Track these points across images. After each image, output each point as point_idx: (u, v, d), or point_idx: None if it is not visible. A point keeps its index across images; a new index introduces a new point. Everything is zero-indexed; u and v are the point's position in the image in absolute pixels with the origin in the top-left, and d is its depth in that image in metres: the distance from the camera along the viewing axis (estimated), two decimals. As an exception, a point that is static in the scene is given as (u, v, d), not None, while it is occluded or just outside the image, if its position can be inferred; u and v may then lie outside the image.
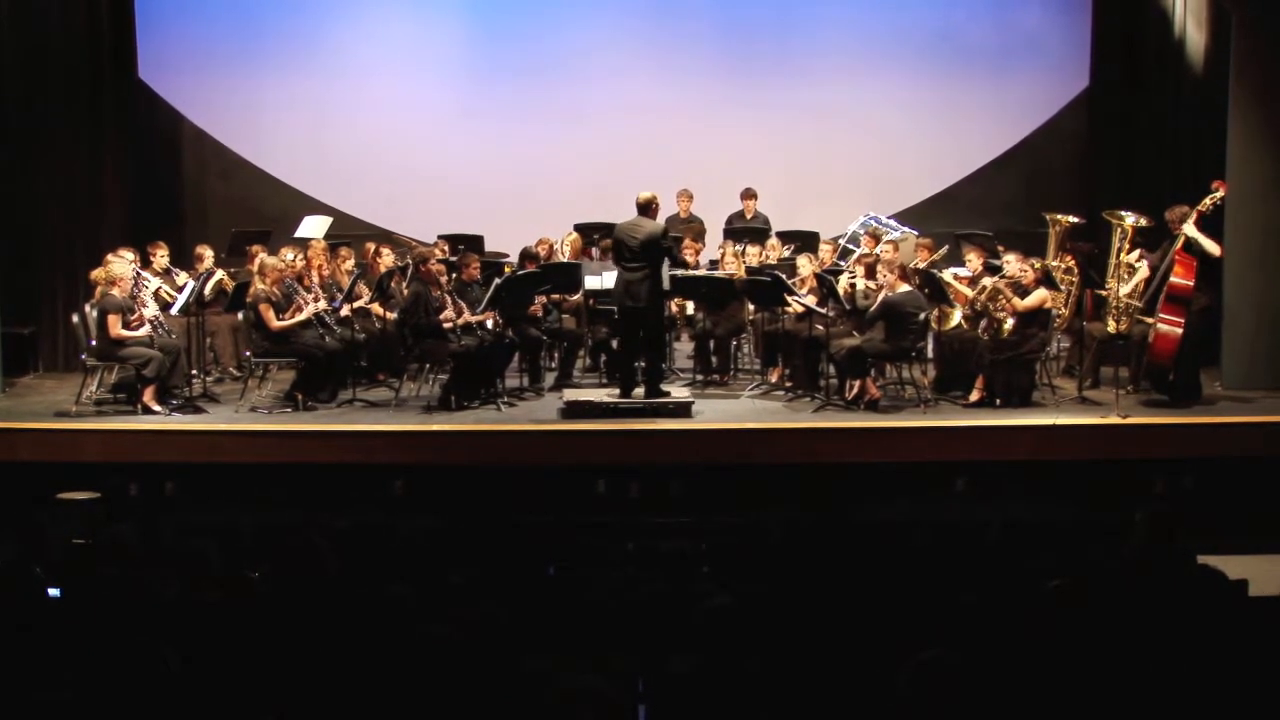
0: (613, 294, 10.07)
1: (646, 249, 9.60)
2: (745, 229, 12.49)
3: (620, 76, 13.76)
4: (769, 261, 11.48)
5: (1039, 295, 9.87)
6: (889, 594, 5.44)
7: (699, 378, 11.03)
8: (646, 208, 9.76)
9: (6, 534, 6.86)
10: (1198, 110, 12.09)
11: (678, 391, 10.02)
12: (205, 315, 10.94)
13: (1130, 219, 10.34)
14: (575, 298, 11.13)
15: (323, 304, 10.33)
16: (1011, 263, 10.08)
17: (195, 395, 10.18)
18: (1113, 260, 10.44)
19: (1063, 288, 10.53)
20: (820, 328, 10.18)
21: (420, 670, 4.22)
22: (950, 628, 4.95)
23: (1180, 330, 9.58)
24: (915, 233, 11.92)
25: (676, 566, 6.21)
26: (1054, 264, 10.73)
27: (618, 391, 9.88)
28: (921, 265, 10.73)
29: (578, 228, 11.83)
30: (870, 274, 10.60)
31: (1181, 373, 9.91)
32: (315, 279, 10.63)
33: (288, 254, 10.58)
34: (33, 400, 10.60)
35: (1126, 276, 10.16)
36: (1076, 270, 10.71)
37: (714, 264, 11.73)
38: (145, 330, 9.86)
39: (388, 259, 11.20)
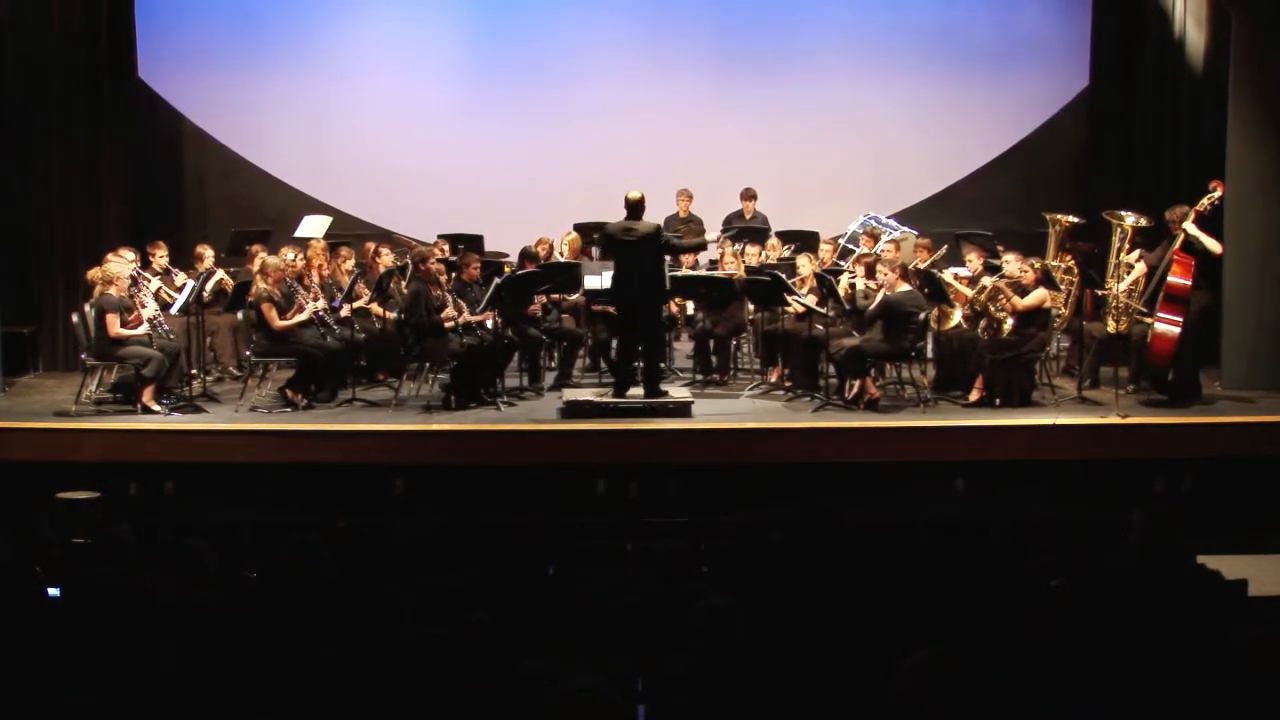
0: (608, 293, 10.07)
1: (643, 246, 9.60)
2: (744, 229, 12.49)
3: (620, 76, 13.76)
4: (769, 261, 11.48)
5: (1039, 295, 9.87)
6: (887, 594, 5.44)
7: (699, 377, 11.03)
8: (639, 206, 9.76)
9: (6, 533, 6.88)
10: (1197, 110, 12.09)
11: (677, 391, 10.03)
12: (205, 315, 10.94)
13: (1130, 219, 10.34)
14: (575, 297, 11.14)
15: (322, 304, 10.33)
16: (1011, 262, 10.09)
17: (195, 395, 10.18)
18: (1112, 260, 10.44)
19: (1062, 288, 10.53)
20: (820, 327, 10.18)
21: (419, 671, 4.22)
22: (949, 627, 4.95)
23: (1178, 330, 9.58)
24: (915, 232, 11.92)
25: (675, 566, 6.20)
26: (1054, 264, 10.73)
27: (610, 390, 9.90)
28: (921, 265, 10.73)
29: (577, 227, 11.82)
30: (870, 274, 10.60)
31: (1181, 372, 9.91)
32: (315, 279, 10.63)
33: (288, 253, 10.59)
34: (32, 400, 10.60)
35: (1126, 276, 10.16)
36: (1076, 270, 10.72)
37: (714, 264, 11.73)
38: (143, 329, 9.85)
39: (387, 259, 11.20)
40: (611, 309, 10.54)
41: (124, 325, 9.72)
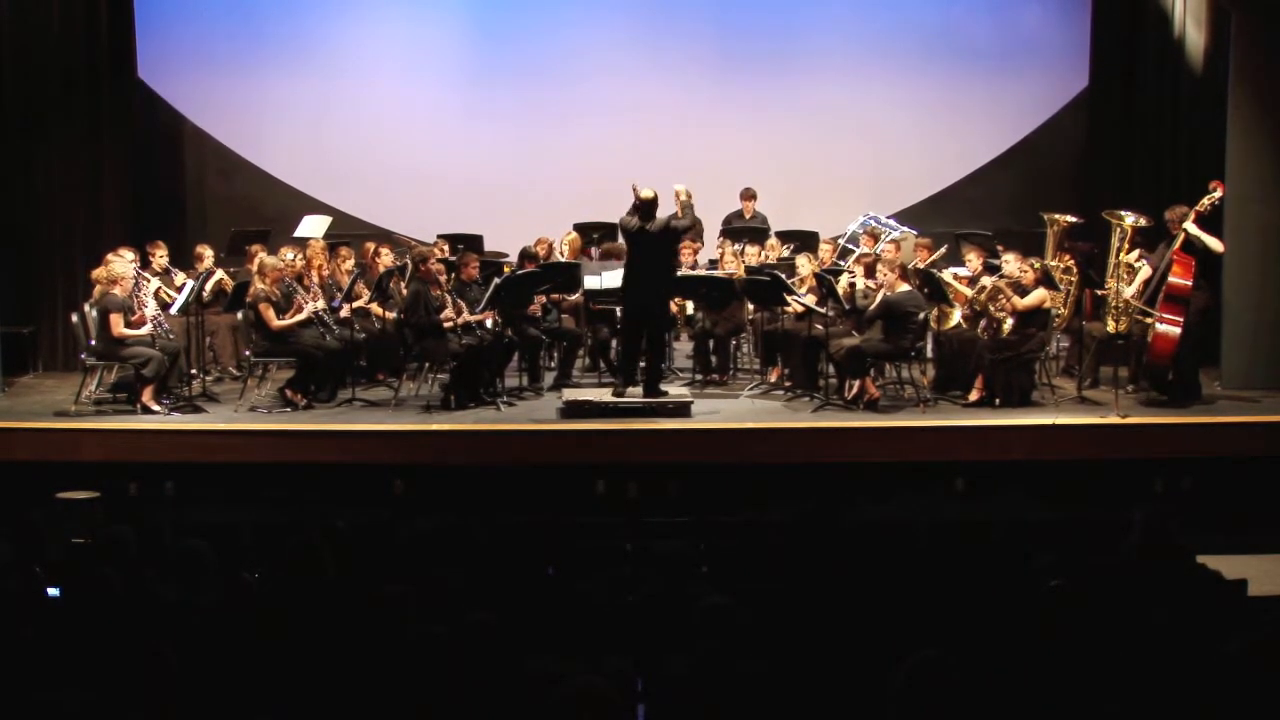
0: (623, 290, 10.03)
1: (665, 239, 9.59)
2: (744, 229, 12.49)
3: (619, 76, 13.76)
4: (768, 261, 11.48)
5: (1038, 295, 9.87)
6: (887, 594, 5.45)
7: (698, 377, 11.02)
8: (652, 205, 9.77)
9: (6, 533, 6.86)
10: (1197, 110, 12.09)
11: (677, 391, 10.03)
12: (205, 315, 10.95)
13: (1130, 219, 10.34)
14: (574, 297, 11.13)
15: (321, 303, 10.33)
16: (1010, 262, 10.09)
17: (195, 395, 10.18)
18: (1112, 260, 10.44)
19: (1062, 287, 10.53)
20: (820, 327, 10.18)
21: (419, 671, 4.22)
22: (949, 627, 4.95)
23: (1178, 330, 9.59)
24: (915, 232, 11.92)
25: (675, 566, 6.21)
26: (1053, 264, 10.74)
27: (611, 388, 9.91)
28: (921, 265, 10.74)
29: (577, 227, 11.83)
30: (869, 273, 10.61)
31: (1181, 372, 9.92)
32: (315, 279, 10.62)
33: (287, 253, 10.58)
34: (32, 400, 10.60)
35: (1127, 277, 10.16)
36: (1075, 270, 10.72)
37: (713, 263, 11.73)
38: (147, 329, 9.86)
39: (387, 259, 11.19)
40: (615, 309, 10.55)
41: (128, 325, 9.73)
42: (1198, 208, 9.78)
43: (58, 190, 11.99)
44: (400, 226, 13.10)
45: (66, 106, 11.97)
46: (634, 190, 9.71)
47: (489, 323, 10.28)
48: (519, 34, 13.86)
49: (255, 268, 10.38)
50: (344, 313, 10.47)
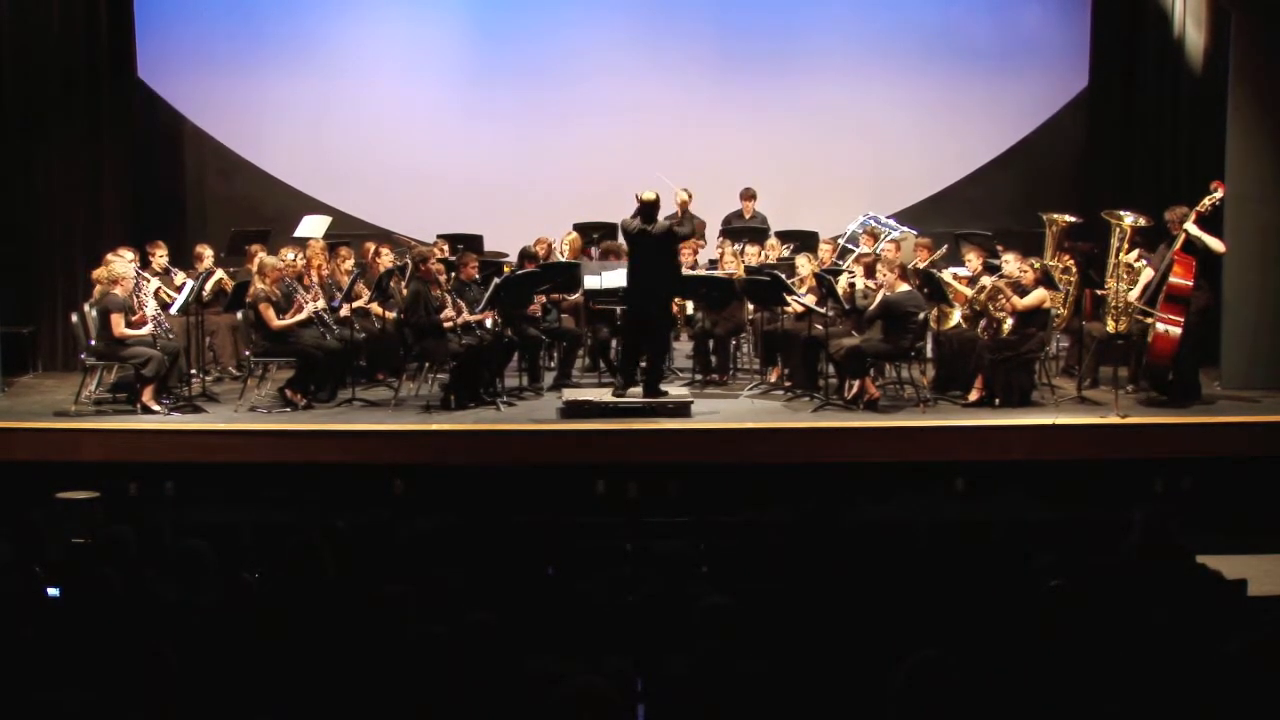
0: (625, 293, 10.04)
1: (666, 241, 9.63)
2: (743, 229, 12.49)
3: (619, 76, 13.76)
4: (768, 261, 11.48)
5: (1038, 295, 9.87)
6: (887, 594, 5.45)
7: (698, 377, 11.02)
8: (653, 208, 9.78)
9: (6, 533, 6.87)
10: (1197, 110, 12.10)
11: (677, 391, 10.03)
12: (204, 315, 10.95)
13: (1129, 219, 10.35)
14: (574, 297, 11.13)
15: (321, 303, 10.34)
16: (1010, 262, 10.10)
17: (195, 395, 10.19)
18: (1112, 260, 10.45)
19: (1061, 287, 10.53)
20: (819, 327, 10.18)
21: (419, 671, 4.22)
22: (949, 627, 4.95)
23: (1179, 330, 9.59)
24: (914, 232, 11.92)
25: (675, 566, 6.21)
26: (1053, 264, 10.74)
27: (611, 388, 9.91)
28: (921, 265, 10.74)
29: (577, 227, 11.83)
30: (869, 273, 10.61)
31: (1180, 373, 9.92)
32: (314, 278, 10.63)
33: (287, 253, 10.58)
34: (32, 400, 10.60)
35: (1126, 277, 10.16)
36: (1075, 270, 10.72)
37: (713, 264, 11.73)
38: (148, 329, 9.87)
39: (387, 259, 11.19)
40: (615, 309, 10.54)
41: (129, 325, 9.73)
42: (1198, 208, 9.78)
43: (58, 190, 11.99)
44: (400, 226, 13.10)
45: (66, 106, 11.97)
46: (636, 198, 9.74)
47: (489, 323, 10.29)
48: (519, 34, 13.86)
49: (255, 268, 10.38)
50: (344, 313, 10.47)
